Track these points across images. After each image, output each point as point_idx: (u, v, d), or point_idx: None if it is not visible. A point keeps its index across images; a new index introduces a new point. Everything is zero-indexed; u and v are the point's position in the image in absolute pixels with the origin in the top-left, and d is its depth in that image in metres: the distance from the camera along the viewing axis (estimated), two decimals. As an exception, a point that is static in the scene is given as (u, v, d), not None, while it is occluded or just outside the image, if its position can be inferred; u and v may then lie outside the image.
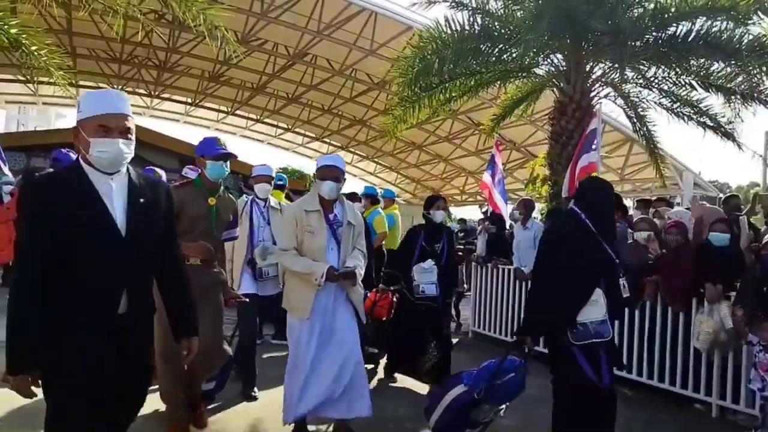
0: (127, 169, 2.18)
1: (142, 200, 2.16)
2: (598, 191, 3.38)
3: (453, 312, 8.01)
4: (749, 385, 4.17)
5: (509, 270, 7.13)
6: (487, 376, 3.45)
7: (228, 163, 3.62)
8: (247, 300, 4.22)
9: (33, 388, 1.99)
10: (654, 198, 9.52)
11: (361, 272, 3.69)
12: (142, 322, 2.25)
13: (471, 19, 8.09)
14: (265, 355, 5.68)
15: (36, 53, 6.75)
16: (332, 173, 3.70)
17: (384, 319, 5.23)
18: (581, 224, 3.21)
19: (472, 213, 22.19)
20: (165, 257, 2.30)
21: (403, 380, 5.34)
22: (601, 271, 3.19)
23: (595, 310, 3.10)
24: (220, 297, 3.71)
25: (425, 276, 5.10)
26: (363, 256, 3.80)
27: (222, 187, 3.69)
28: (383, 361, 5.61)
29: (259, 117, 22.73)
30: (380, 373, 5.56)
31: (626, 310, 5.37)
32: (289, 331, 3.70)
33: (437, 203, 5.30)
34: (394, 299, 5.23)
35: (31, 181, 2.20)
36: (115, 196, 2.11)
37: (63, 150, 5.52)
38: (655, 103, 8.92)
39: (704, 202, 6.95)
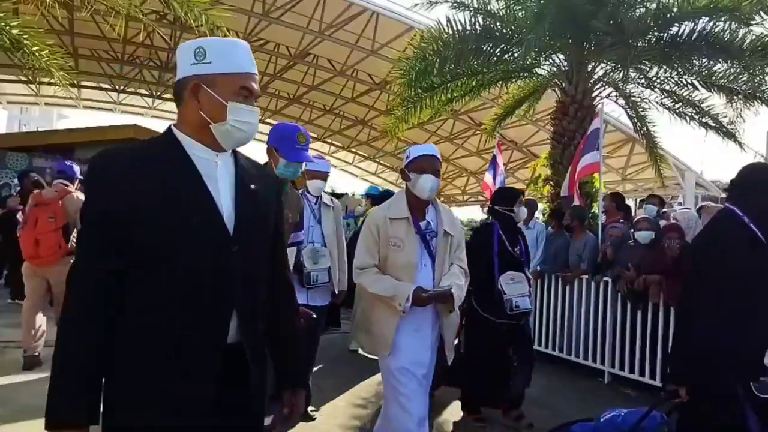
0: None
1: (253, 187, 1.56)
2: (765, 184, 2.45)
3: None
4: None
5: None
6: None
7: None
8: (315, 316, 3.48)
9: None
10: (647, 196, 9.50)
11: (460, 294, 2.89)
12: (257, 360, 1.55)
13: (472, 19, 8.11)
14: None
15: (37, 54, 6.77)
16: (433, 165, 2.88)
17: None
18: (746, 230, 2.37)
19: (474, 213, 22.18)
20: (273, 272, 1.65)
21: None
22: None
23: None
24: None
25: (517, 288, 4.03)
26: (464, 275, 3.01)
27: (288, 182, 3.04)
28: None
29: (260, 118, 22.74)
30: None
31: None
32: (384, 375, 2.91)
33: (521, 198, 4.28)
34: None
35: (95, 160, 1.47)
36: (221, 179, 1.50)
37: (67, 162, 5.43)
38: (657, 103, 8.94)
39: (708, 202, 6.95)
